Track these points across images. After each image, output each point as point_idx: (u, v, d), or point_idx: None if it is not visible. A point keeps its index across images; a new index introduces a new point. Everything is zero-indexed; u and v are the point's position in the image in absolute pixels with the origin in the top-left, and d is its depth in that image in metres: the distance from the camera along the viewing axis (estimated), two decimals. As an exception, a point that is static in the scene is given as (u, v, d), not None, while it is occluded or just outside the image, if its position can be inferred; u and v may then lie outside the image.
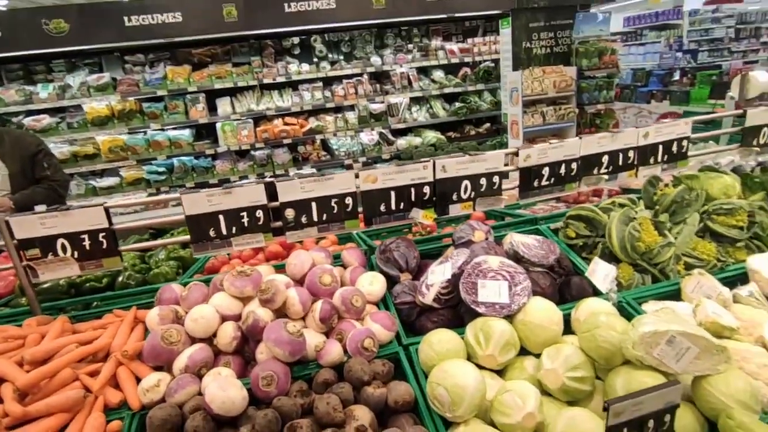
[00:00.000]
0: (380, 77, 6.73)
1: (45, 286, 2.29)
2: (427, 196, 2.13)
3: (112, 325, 1.79)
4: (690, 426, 1.34)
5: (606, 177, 2.30)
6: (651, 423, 1.14)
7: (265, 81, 6.14)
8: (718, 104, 6.17)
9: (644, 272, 1.94)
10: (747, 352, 1.51)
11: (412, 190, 2.10)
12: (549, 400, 1.45)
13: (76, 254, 2.00)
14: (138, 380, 1.56)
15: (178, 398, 1.45)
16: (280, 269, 2.04)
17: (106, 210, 2.03)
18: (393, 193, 2.10)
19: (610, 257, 1.99)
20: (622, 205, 2.16)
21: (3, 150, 3.26)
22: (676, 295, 1.84)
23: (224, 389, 1.40)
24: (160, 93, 5.81)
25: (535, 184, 2.23)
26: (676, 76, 9.17)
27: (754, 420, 1.24)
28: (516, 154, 2.19)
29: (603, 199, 2.40)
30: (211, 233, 2.03)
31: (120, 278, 2.37)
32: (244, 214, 2.03)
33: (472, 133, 6.96)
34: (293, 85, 6.40)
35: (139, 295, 2.16)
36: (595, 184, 2.30)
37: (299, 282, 1.86)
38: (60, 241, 2.00)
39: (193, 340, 1.65)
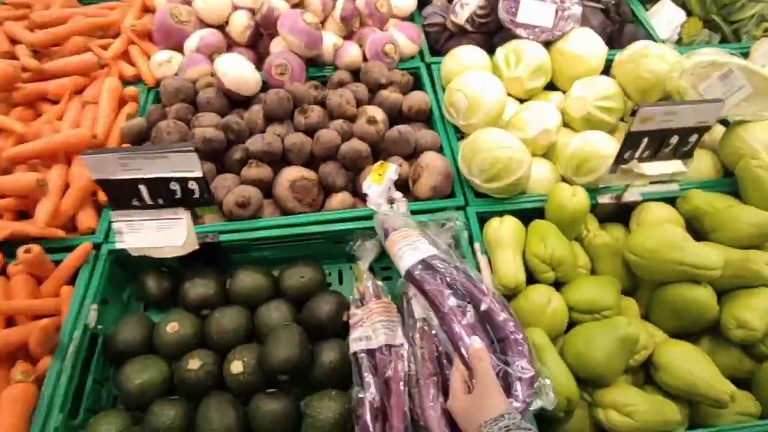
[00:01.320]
0: None
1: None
2: None
3: (122, 6, 1.66)
4: (704, 167, 1.30)
5: None
6: (675, 139, 1.07)
7: None
8: None
9: (715, 30, 1.68)
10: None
11: None
12: (569, 131, 1.38)
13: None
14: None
15: (190, 74, 1.41)
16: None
17: None
18: None
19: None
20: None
21: None
22: (739, 60, 1.62)
23: (236, 64, 1.34)
24: None
25: None
26: None
27: (780, 163, 1.17)
28: None
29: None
30: None
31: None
32: None
33: None
34: None
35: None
36: None
37: (321, -15, 1.65)
38: None
39: (205, 26, 1.54)
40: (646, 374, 1.03)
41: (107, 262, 1.16)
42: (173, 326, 1.10)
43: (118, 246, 1.09)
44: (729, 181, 1.25)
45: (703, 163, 1.30)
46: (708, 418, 0.97)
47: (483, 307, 0.88)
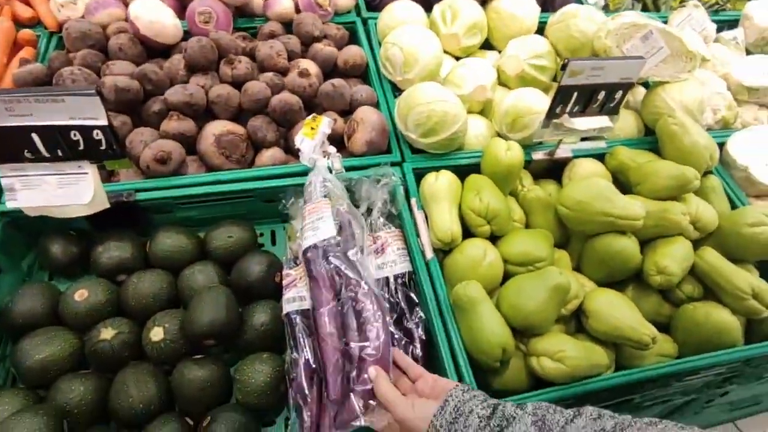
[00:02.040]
0: None
1: None
2: None
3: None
4: (628, 126, 1.32)
5: None
6: (602, 95, 1.06)
7: None
8: None
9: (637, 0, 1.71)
10: (708, 79, 1.42)
11: None
12: (504, 90, 1.34)
13: None
14: (53, 2, 1.29)
15: (99, 18, 1.22)
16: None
17: None
18: None
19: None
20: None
21: None
22: (658, 31, 1.65)
23: (153, 9, 1.17)
24: None
25: None
26: None
27: (693, 122, 1.20)
28: None
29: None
30: None
31: None
32: None
33: None
34: None
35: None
36: None
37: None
38: None
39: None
40: (577, 323, 1.03)
41: (-1, 225, 0.99)
42: (82, 293, 0.95)
43: (10, 205, 0.92)
44: (650, 139, 1.27)
45: (627, 123, 1.31)
46: (633, 360, 0.98)
47: (354, 300, 0.87)
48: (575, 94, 1.04)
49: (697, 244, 1.07)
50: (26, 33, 1.21)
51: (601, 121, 1.10)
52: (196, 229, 1.09)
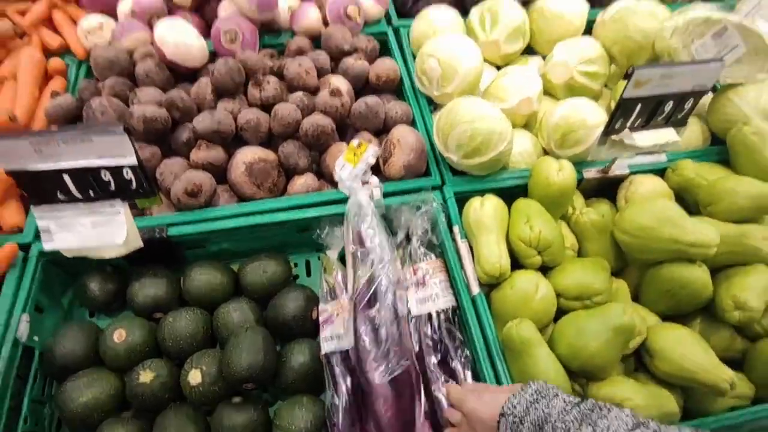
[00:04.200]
0: None
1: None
2: None
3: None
4: (692, 136, 1.19)
5: None
6: (669, 105, 0.95)
7: None
8: None
9: (697, -15, 1.54)
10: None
11: None
12: (549, 99, 1.24)
13: None
14: (81, 27, 1.27)
15: (125, 43, 1.19)
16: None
17: None
18: None
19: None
20: None
21: None
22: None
23: (178, 31, 1.13)
24: None
25: None
26: None
27: (772, 130, 1.07)
28: None
29: None
30: None
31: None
32: None
33: None
34: None
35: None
36: None
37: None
38: None
39: (142, -12, 1.31)
40: (636, 359, 0.95)
41: (39, 265, 0.98)
42: (120, 334, 0.94)
43: (46, 248, 0.91)
44: (718, 150, 1.15)
45: (691, 131, 1.19)
46: (703, 402, 0.89)
47: None
48: (639, 106, 0.93)
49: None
50: (56, 62, 1.20)
51: (667, 134, 0.99)
52: (228, 261, 1.07)
